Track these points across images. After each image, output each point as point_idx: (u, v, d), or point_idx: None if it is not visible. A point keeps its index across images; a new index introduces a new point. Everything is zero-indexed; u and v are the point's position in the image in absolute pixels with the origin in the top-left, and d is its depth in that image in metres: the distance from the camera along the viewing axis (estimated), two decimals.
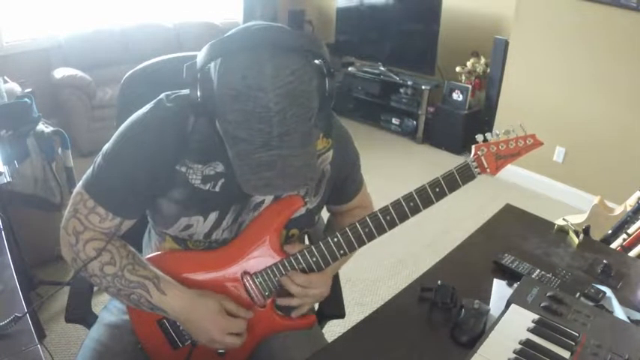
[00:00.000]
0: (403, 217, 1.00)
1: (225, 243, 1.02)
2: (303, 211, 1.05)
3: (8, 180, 1.64)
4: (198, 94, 0.82)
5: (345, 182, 1.14)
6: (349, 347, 0.97)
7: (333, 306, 1.25)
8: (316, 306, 1.29)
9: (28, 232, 1.99)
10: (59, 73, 3.39)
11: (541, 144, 1.05)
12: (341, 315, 1.25)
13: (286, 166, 0.80)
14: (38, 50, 3.56)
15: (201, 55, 0.82)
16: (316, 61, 0.85)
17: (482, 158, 1.02)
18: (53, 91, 3.41)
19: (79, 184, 0.96)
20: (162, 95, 0.96)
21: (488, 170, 1.02)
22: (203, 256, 1.02)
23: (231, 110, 0.78)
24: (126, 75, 1.19)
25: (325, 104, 0.88)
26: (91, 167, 0.96)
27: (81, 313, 1.17)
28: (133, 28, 3.88)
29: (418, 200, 0.99)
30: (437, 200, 1.00)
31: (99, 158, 0.95)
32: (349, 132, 1.12)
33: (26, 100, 2.15)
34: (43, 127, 2.18)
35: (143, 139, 0.93)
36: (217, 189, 0.97)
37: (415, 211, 1.00)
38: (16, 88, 2.48)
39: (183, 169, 0.95)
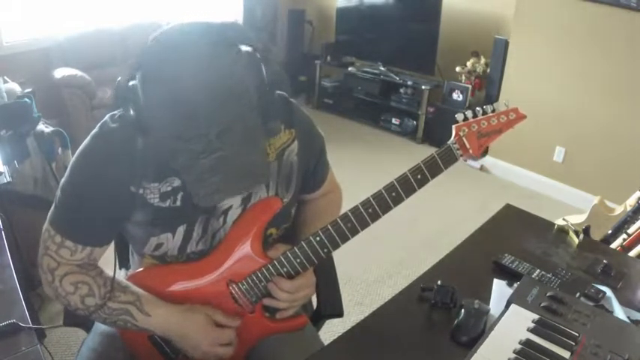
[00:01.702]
0: (386, 209, 0.96)
1: (202, 254, 1.01)
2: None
3: (8, 180, 1.64)
4: (131, 112, 0.80)
5: (314, 169, 1.12)
6: (349, 347, 0.97)
7: (331, 306, 1.25)
8: (315, 306, 1.29)
9: (28, 232, 1.98)
10: (59, 73, 3.39)
11: (524, 117, 1.00)
12: (339, 314, 1.24)
13: (231, 167, 0.77)
14: (38, 50, 3.56)
15: (126, 71, 0.80)
16: (246, 49, 0.81)
17: (464, 138, 0.96)
18: (53, 91, 3.40)
19: (46, 221, 0.96)
20: (107, 117, 0.94)
21: (470, 151, 0.96)
22: (187, 267, 1.01)
23: (164, 122, 0.76)
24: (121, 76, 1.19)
25: (266, 93, 0.85)
26: (54, 202, 0.95)
27: (79, 317, 1.16)
28: (133, 28, 3.87)
29: (400, 189, 0.95)
30: (419, 187, 0.96)
31: (58, 192, 0.95)
32: (310, 117, 1.09)
33: (26, 100, 2.15)
34: (43, 127, 2.18)
35: (92, 167, 0.92)
36: (178, 203, 0.95)
37: (398, 200, 0.96)
38: (16, 88, 2.48)
39: (140, 191, 0.93)
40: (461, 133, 0.97)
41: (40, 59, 3.55)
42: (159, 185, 0.94)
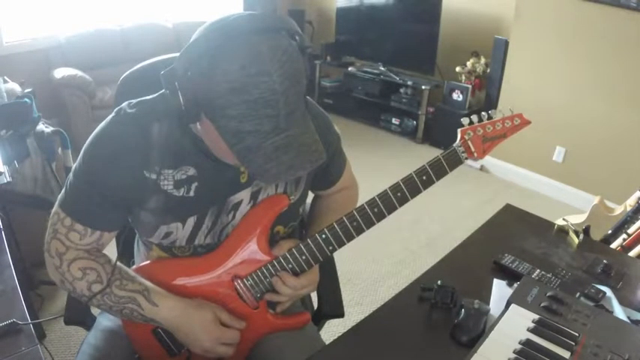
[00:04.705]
0: (391, 208, 0.98)
1: (209, 247, 1.01)
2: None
3: (8, 180, 1.64)
4: (181, 100, 0.79)
5: (328, 167, 1.12)
6: (349, 347, 0.97)
7: (332, 306, 1.25)
8: (315, 306, 1.29)
9: (28, 232, 1.98)
10: (59, 73, 3.39)
11: (528, 123, 1.02)
12: (340, 314, 1.25)
13: (301, 144, 0.79)
14: (38, 50, 3.56)
15: (181, 60, 0.78)
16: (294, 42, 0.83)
17: (469, 142, 0.99)
18: (53, 91, 3.40)
19: (55, 205, 0.95)
20: (124, 104, 0.94)
21: (475, 154, 0.99)
22: (192, 262, 1.02)
23: (234, 104, 0.75)
24: (122, 76, 1.19)
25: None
26: (64, 186, 0.95)
27: (80, 315, 1.16)
28: (132, 28, 3.88)
29: (405, 190, 0.97)
30: (424, 188, 0.98)
31: (70, 175, 0.95)
32: (327, 115, 1.11)
33: (26, 100, 2.15)
34: (43, 127, 2.18)
35: (106, 150, 0.92)
36: (192, 193, 0.96)
37: (403, 201, 0.98)
38: (16, 88, 2.47)
39: (154, 176, 0.93)
40: (466, 137, 0.99)
41: (40, 59, 3.55)
42: (173, 172, 0.94)
